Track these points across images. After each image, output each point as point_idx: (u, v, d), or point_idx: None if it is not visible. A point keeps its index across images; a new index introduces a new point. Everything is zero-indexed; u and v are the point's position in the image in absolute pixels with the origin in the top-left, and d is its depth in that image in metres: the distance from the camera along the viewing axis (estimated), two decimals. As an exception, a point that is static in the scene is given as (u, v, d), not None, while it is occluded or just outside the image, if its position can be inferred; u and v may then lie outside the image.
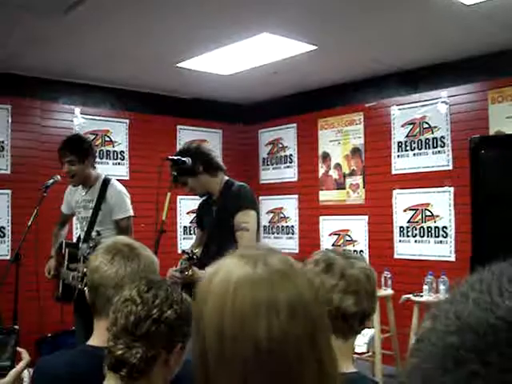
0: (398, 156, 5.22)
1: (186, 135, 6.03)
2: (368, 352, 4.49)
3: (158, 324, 1.21)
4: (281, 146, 6.33)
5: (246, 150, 6.61)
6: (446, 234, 4.84)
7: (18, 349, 1.38)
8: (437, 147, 4.94)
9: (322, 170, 5.87)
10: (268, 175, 6.46)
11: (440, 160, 4.90)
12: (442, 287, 4.41)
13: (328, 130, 5.81)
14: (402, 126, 5.19)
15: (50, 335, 4.68)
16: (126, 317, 1.22)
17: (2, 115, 4.96)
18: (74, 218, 4.24)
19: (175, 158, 3.07)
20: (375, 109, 5.42)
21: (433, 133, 4.97)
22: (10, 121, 4.98)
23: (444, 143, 4.88)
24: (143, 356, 1.19)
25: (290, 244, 6.14)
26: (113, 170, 5.25)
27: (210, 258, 1.42)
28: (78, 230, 4.50)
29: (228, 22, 3.82)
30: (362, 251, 5.40)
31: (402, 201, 5.16)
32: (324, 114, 5.83)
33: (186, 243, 5.59)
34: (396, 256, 5.18)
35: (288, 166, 6.24)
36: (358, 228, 5.50)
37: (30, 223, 3.46)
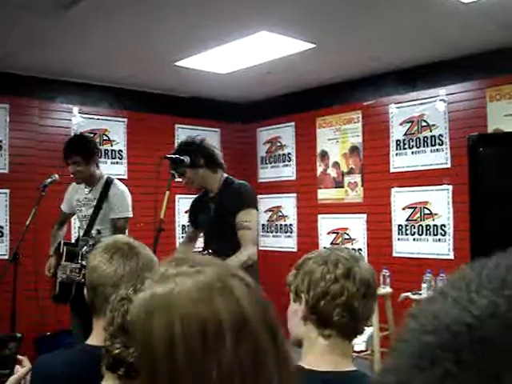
0: (397, 154, 5.21)
1: (184, 134, 5.97)
2: (367, 350, 4.49)
3: None
4: (279, 144, 6.32)
5: (244, 149, 6.60)
6: (445, 232, 4.84)
7: (19, 356, 1.37)
8: (435, 145, 4.93)
9: (320, 169, 5.86)
10: (266, 174, 6.46)
11: (438, 158, 4.90)
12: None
13: (326, 128, 5.80)
14: (401, 124, 5.19)
15: (48, 334, 4.68)
16: (123, 316, 1.21)
17: (0, 114, 4.94)
18: (73, 219, 4.23)
19: (173, 156, 3.06)
20: (373, 107, 5.41)
21: (431, 131, 4.97)
22: (7, 120, 4.97)
23: (442, 141, 4.88)
24: None
25: (288, 242, 6.13)
26: (111, 169, 5.23)
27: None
28: (76, 230, 4.50)
29: (226, 20, 3.81)
30: (360, 249, 5.40)
31: (401, 199, 5.16)
32: (322, 112, 5.82)
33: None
34: (395, 254, 5.18)
35: (286, 165, 6.23)
36: (357, 226, 5.50)
37: (28, 223, 3.46)
